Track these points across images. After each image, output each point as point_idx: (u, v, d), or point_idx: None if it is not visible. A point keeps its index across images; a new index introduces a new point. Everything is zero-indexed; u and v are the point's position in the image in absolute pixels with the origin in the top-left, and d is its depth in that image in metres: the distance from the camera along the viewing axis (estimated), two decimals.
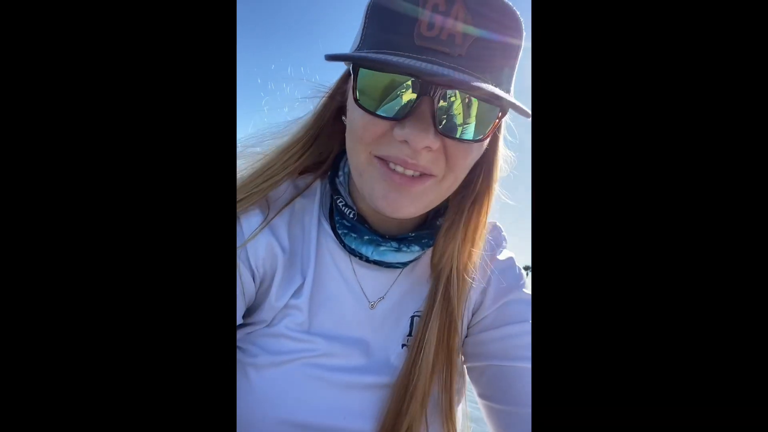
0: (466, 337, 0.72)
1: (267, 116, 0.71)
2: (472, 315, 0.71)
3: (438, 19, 0.51)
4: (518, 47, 0.55)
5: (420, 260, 0.70)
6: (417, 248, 0.66)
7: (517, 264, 0.74)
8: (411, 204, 0.57)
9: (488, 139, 0.59)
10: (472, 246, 0.66)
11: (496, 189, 0.67)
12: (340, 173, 0.69)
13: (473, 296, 0.70)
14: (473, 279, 0.67)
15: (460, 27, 0.50)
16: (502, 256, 0.73)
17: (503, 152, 0.67)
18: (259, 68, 42.88)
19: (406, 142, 0.53)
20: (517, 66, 0.57)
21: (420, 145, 0.52)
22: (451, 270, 0.65)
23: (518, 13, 0.54)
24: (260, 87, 0.72)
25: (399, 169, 0.56)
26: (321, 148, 0.69)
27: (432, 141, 0.52)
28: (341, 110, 0.67)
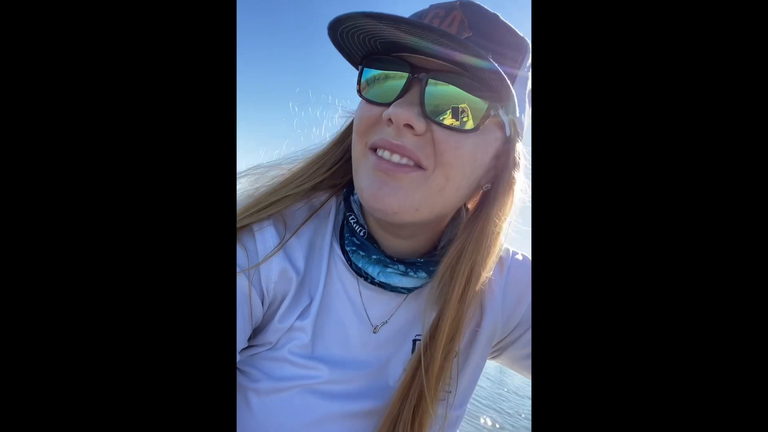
0: (508, 346, 0.75)
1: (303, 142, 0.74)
2: (502, 324, 0.72)
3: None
4: (512, 75, 0.57)
5: (426, 287, 0.68)
6: (424, 274, 0.65)
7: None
8: (393, 195, 0.56)
9: (487, 141, 0.58)
10: (473, 275, 0.62)
11: (510, 221, 0.65)
12: (356, 191, 0.68)
13: (497, 304, 0.71)
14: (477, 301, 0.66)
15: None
16: (504, 253, 0.74)
17: (521, 181, 0.64)
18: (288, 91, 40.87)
19: (391, 121, 0.55)
20: (514, 93, 0.55)
21: (401, 119, 0.54)
22: (450, 299, 0.62)
23: (523, 43, 0.58)
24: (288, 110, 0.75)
25: (386, 154, 0.56)
26: (346, 167, 0.69)
27: (415, 119, 0.54)
28: None
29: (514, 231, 0.67)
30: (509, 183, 0.63)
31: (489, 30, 0.57)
